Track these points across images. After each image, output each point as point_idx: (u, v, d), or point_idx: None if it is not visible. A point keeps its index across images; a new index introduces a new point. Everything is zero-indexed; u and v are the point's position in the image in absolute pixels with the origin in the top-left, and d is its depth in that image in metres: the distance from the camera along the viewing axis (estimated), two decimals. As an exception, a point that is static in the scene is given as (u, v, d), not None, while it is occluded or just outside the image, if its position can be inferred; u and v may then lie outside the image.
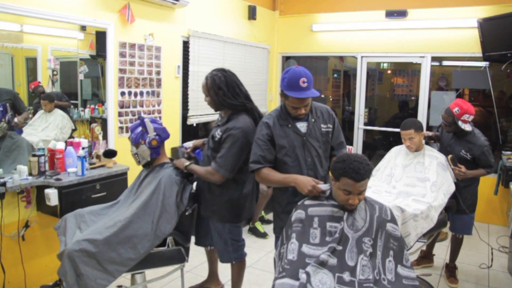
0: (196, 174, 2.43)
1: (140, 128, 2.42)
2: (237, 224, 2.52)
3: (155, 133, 2.42)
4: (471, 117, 2.91)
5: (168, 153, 4.01)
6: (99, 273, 2.08)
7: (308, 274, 1.67)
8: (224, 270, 3.05)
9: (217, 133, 2.38)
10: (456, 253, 3.30)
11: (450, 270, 3.30)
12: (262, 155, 2.14)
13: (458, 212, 3.01)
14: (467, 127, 2.91)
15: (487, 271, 3.52)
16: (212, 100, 2.40)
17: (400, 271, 1.81)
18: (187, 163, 2.45)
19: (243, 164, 2.36)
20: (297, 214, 1.88)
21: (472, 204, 3.08)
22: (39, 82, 3.09)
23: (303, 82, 2.01)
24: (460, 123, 2.90)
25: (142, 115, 3.69)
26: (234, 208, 2.45)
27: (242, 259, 2.58)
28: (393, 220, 1.91)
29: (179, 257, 2.46)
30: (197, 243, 2.80)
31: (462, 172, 2.87)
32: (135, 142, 2.43)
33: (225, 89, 2.37)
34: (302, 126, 2.19)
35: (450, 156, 2.92)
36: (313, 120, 2.20)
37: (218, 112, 2.54)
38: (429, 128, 5.00)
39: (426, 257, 3.54)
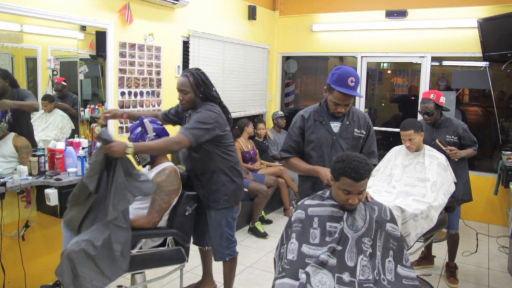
0: (150, 151, 2.29)
1: (139, 129, 2.41)
2: (234, 216, 2.64)
3: (154, 133, 2.40)
4: (445, 99, 3.16)
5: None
6: (95, 275, 2.07)
7: (307, 274, 1.67)
8: (217, 272, 3.05)
9: None
10: (454, 251, 3.30)
11: (451, 270, 3.30)
12: (293, 146, 2.34)
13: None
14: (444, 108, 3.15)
15: (487, 271, 3.52)
16: (193, 96, 2.45)
17: (400, 271, 1.81)
18: (130, 145, 2.06)
19: (226, 149, 2.53)
20: (297, 214, 1.88)
21: (463, 196, 3.15)
22: (64, 80, 3.14)
23: (351, 81, 2.11)
24: (440, 105, 3.10)
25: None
26: (233, 191, 2.58)
27: (234, 255, 2.68)
28: (393, 220, 1.91)
29: (179, 257, 2.46)
30: (194, 242, 2.86)
31: (455, 151, 3.03)
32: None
33: (207, 83, 2.49)
34: (335, 125, 2.28)
35: (437, 139, 3.09)
36: (347, 122, 2.28)
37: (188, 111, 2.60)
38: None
39: (426, 258, 3.54)
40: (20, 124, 2.92)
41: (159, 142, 2.27)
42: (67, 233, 2.39)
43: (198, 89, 2.45)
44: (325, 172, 2.13)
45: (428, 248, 3.54)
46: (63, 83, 3.21)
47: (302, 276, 1.67)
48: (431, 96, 3.10)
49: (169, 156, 2.76)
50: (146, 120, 2.41)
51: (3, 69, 2.86)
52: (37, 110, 3.01)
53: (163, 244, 2.42)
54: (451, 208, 2.96)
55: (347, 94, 2.13)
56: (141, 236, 2.31)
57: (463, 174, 3.16)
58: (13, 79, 2.86)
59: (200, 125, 2.35)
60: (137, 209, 2.39)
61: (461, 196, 3.09)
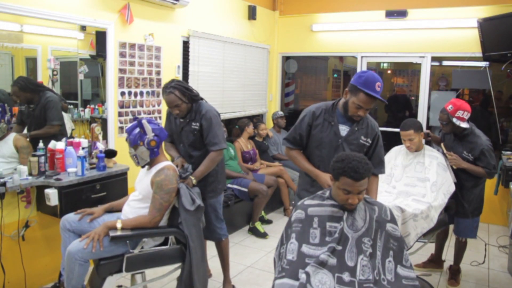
0: (205, 173, 2.71)
1: (137, 130, 2.40)
2: (220, 199, 2.96)
3: (153, 134, 2.40)
4: (466, 114, 2.83)
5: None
6: None
7: (307, 274, 1.67)
8: (217, 272, 3.05)
9: (194, 125, 2.73)
10: (460, 256, 3.23)
11: (453, 272, 3.25)
12: (296, 138, 2.37)
13: (463, 215, 2.98)
14: (463, 124, 2.84)
15: (487, 271, 3.52)
16: (186, 105, 2.69)
17: (400, 271, 1.81)
18: (193, 179, 2.62)
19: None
20: (297, 214, 1.88)
21: (477, 208, 3.03)
22: (41, 82, 3.10)
23: (378, 86, 2.13)
24: (455, 120, 2.83)
25: (137, 116, 3.69)
26: (223, 178, 2.97)
27: (227, 235, 3.00)
28: (393, 220, 1.91)
29: (181, 255, 2.46)
30: None
31: (454, 156, 2.88)
32: (134, 144, 2.41)
33: (190, 88, 2.73)
34: (343, 129, 2.28)
35: (442, 143, 3.00)
36: (356, 128, 2.27)
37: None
38: (429, 128, 5.00)
39: (434, 261, 3.47)
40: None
41: (208, 163, 2.69)
42: (65, 235, 2.38)
43: (186, 97, 2.69)
44: (325, 178, 2.19)
45: (439, 250, 3.45)
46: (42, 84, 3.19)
47: (302, 276, 1.67)
48: (449, 107, 2.86)
49: (168, 156, 2.76)
50: (144, 121, 2.40)
51: (22, 80, 2.90)
52: (55, 133, 3.06)
53: (164, 243, 2.42)
54: (451, 208, 2.96)
55: (373, 97, 2.11)
56: (143, 235, 2.31)
57: (479, 188, 3.00)
58: (33, 87, 2.93)
59: (218, 128, 2.71)
60: (138, 208, 2.39)
61: (471, 210, 2.97)
